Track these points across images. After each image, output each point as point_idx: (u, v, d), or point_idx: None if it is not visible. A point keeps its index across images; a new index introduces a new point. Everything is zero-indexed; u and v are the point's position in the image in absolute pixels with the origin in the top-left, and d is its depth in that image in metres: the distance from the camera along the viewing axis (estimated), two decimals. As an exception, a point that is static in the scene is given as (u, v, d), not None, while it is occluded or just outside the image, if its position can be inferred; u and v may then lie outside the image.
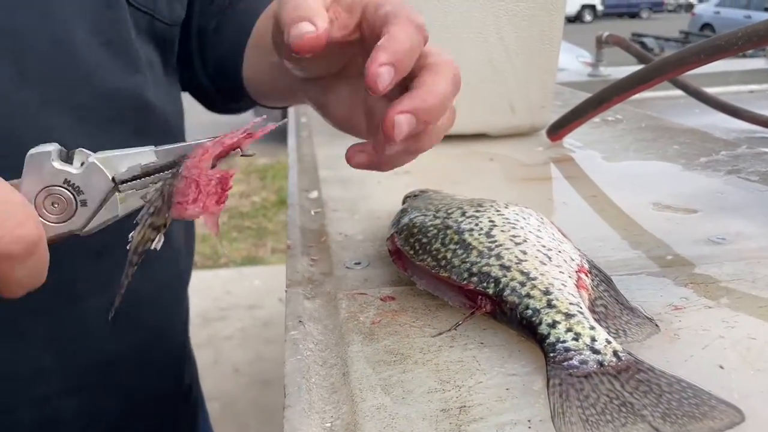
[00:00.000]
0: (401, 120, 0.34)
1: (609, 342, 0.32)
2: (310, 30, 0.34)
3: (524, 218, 0.42)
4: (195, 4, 0.58)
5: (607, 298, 0.37)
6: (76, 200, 0.30)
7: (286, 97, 0.57)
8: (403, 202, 0.53)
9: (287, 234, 0.53)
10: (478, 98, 0.80)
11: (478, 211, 0.43)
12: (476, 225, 0.41)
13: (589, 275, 0.38)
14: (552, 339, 0.32)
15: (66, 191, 0.30)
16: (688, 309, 0.39)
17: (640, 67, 0.75)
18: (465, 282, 0.38)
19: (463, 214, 0.43)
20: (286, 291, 0.43)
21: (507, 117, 0.82)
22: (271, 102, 0.61)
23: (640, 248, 0.49)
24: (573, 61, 5.69)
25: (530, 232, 0.40)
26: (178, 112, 0.57)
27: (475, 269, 0.38)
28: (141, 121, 0.47)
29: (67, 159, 0.30)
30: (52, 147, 0.30)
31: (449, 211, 0.44)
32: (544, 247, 0.39)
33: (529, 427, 0.29)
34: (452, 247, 0.40)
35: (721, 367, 0.33)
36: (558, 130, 0.79)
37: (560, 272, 0.37)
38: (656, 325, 0.36)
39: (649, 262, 0.46)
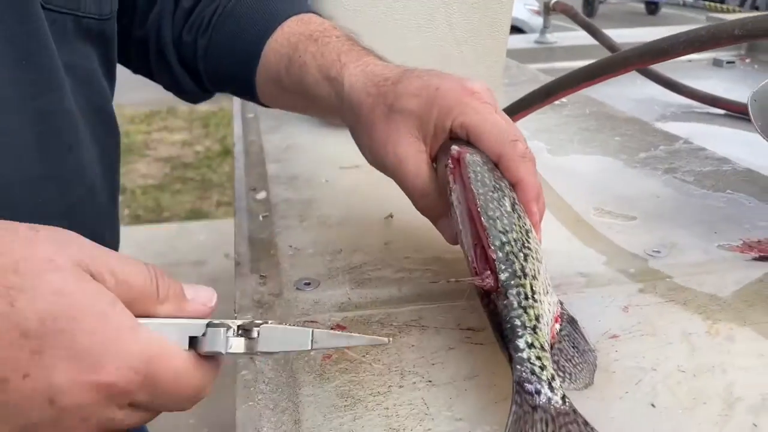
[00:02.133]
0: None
1: (561, 387, 0.33)
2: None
3: (538, 245, 0.43)
4: (152, 14, 0.56)
5: (566, 340, 0.39)
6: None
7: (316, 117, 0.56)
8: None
9: (234, 244, 0.53)
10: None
11: (523, 211, 0.43)
12: (523, 216, 0.42)
13: (559, 322, 0.39)
14: (525, 356, 0.34)
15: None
16: (623, 337, 0.41)
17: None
18: (492, 248, 0.38)
19: (515, 201, 0.42)
20: (235, 316, 0.43)
21: (455, 103, 0.82)
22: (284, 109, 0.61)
23: (582, 264, 0.50)
24: (521, 9, 5.69)
25: (543, 257, 0.41)
26: (107, 105, 0.53)
27: (507, 248, 0.38)
28: (67, 133, 0.44)
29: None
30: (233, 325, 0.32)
31: (509, 186, 0.43)
32: (547, 279, 0.40)
33: (475, 481, 0.31)
34: (503, 210, 0.40)
35: (653, 406, 0.35)
36: (505, 118, 0.80)
37: (549, 310, 0.38)
38: (593, 374, 0.38)
39: (589, 280, 0.48)
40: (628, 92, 1.13)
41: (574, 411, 0.32)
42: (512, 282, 0.37)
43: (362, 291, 0.46)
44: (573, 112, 0.88)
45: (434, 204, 0.44)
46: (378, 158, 0.46)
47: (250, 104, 0.91)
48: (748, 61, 1.42)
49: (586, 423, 0.32)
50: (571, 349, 0.39)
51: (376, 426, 0.34)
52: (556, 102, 0.92)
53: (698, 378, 0.37)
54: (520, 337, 0.35)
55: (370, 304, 0.45)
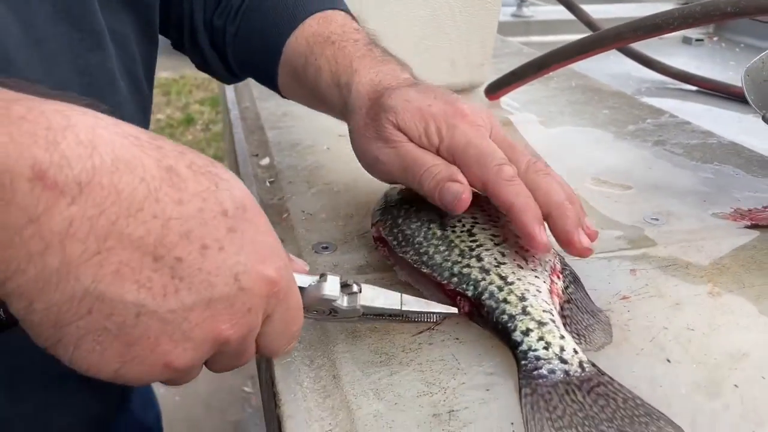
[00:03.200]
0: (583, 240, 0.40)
1: (576, 352, 0.35)
2: (459, 191, 0.40)
3: (489, 225, 0.43)
4: None
5: (574, 301, 0.40)
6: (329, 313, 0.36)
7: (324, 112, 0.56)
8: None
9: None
10: (421, 54, 0.80)
11: (466, 215, 0.43)
12: (459, 221, 0.42)
13: (560, 277, 0.41)
14: (524, 347, 0.35)
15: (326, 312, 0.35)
16: (634, 299, 0.43)
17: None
18: (446, 282, 0.39)
19: (445, 219, 0.43)
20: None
21: (447, 74, 0.83)
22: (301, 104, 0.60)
23: (586, 230, 0.52)
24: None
25: (510, 230, 0.42)
26: (138, 70, 0.53)
27: (456, 269, 0.40)
28: (110, 94, 0.44)
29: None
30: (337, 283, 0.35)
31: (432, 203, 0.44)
32: (522, 248, 0.41)
33: (513, 431, 0.32)
34: (435, 242, 0.41)
35: (668, 361, 0.38)
36: (496, 90, 0.81)
37: (536, 277, 0.39)
38: (610, 333, 0.39)
39: (594, 245, 0.50)
40: (604, 67, 1.15)
41: (598, 372, 0.34)
42: (479, 289, 0.38)
43: (379, 254, 0.47)
44: (560, 85, 0.90)
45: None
46: (368, 155, 0.45)
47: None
48: (715, 39, 1.46)
49: (611, 381, 0.33)
50: (580, 312, 0.40)
51: (413, 380, 0.35)
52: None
53: (707, 336, 0.40)
54: (513, 330, 0.36)
55: (388, 266, 0.46)
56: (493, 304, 0.37)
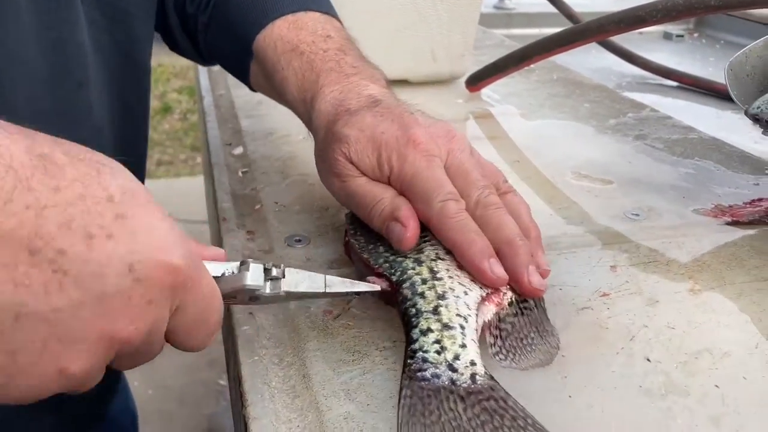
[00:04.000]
0: (533, 280, 0.37)
1: (473, 364, 0.32)
2: (400, 234, 0.38)
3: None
4: None
5: (525, 315, 0.37)
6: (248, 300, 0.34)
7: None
8: None
9: (217, 200, 0.51)
10: (402, 44, 0.78)
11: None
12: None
13: (509, 292, 0.38)
14: (416, 346, 0.33)
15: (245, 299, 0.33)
16: (614, 296, 0.42)
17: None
18: (377, 266, 0.38)
19: None
20: (226, 272, 0.42)
21: (428, 64, 0.82)
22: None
23: (566, 224, 0.51)
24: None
25: None
26: (135, 47, 0.51)
27: (391, 257, 0.39)
28: (78, 68, 0.42)
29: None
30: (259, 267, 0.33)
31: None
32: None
33: (489, 432, 0.31)
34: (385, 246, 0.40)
35: (648, 360, 0.37)
36: (477, 81, 0.80)
37: (471, 280, 0.37)
38: (550, 358, 0.36)
39: (574, 241, 0.49)
40: (585, 61, 1.15)
41: (492, 388, 0.31)
42: (403, 277, 0.37)
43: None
44: (541, 78, 0.89)
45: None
46: (325, 182, 0.45)
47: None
48: (696, 35, 1.46)
49: (505, 398, 0.31)
50: (525, 328, 0.37)
51: (387, 380, 0.34)
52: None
53: (687, 334, 0.39)
54: (414, 326, 0.34)
55: (364, 261, 0.45)
56: (408, 294, 0.36)
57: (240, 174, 0.56)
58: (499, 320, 0.37)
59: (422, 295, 0.35)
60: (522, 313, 0.38)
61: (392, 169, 0.40)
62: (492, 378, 0.32)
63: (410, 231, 0.38)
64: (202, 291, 0.29)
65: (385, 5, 0.75)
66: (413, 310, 0.35)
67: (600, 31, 0.69)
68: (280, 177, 0.56)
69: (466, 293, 0.36)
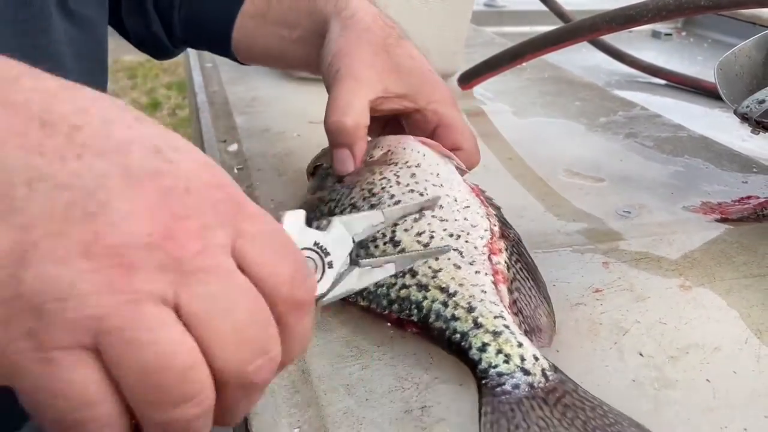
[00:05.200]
0: None
1: (536, 359, 0.32)
2: (349, 165, 0.44)
3: (422, 193, 0.40)
4: None
5: (520, 272, 0.39)
6: (323, 261, 0.29)
7: (292, 69, 0.56)
8: (312, 173, 0.50)
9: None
10: None
11: (373, 205, 0.40)
12: (379, 235, 0.38)
13: (502, 251, 0.38)
14: (484, 365, 0.32)
15: (315, 253, 0.28)
16: (607, 292, 0.43)
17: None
18: (387, 312, 0.36)
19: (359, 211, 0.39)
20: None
21: (420, 62, 0.82)
22: (262, 65, 0.60)
23: (558, 221, 0.52)
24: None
25: (433, 216, 0.39)
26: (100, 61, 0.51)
27: (393, 294, 0.36)
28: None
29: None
30: (302, 212, 0.28)
31: (343, 212, 0.40)
32: (451, 236, 0.38)
33: (486, 426, 0.32)
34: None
35: (641, 355, 0.37)
36: (470, 79, 0.80)
37: (476, 272, 0.36)
38: (552, 311, 0.39)
39: (567, 238, 0.50)
40: (575, 59, 1.15)
41: (561, 380, 0.32)
42: (424, 312, 0.35)
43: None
44: (532, 76, 0.90)
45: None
46: (331, 66, 0.45)
47: (207, 54, 0.87)
48: (684, 34, 1.47)
49: (575, 389, 0.31)
50: (526, 287, 0.38)
51: (385, 375, 0.34)
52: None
53: (678, 330, 0.40)
54: (469, 349, 0.33)
55: (360, 257, 0.45)
56: (443, 325, 0.34)
57: (235, 171, 0.56)
58: (510, 292, 0.37)
59: (454, 317, 0.34)
60: (518, 274, 0.38)
61: (429, 104, 0.48)
62: (555, 368, 0.32)
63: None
64: (265, 221, 0.24)
65: (377, 2, 0.75)
66: (457, 336, 0.34)
67: (592, 30, 0.69)
68: (276, 174, 0.56)
69: (483, 291, 0.35)
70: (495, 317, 0.34)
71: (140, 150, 0.21)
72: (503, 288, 0.37)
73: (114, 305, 0.20)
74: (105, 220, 0.20)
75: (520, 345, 0.33)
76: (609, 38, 1.09)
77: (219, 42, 0.55)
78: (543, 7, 1.20)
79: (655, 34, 1.44)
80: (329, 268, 0.29)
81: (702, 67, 1.15)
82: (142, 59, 4.28)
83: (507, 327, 0.34)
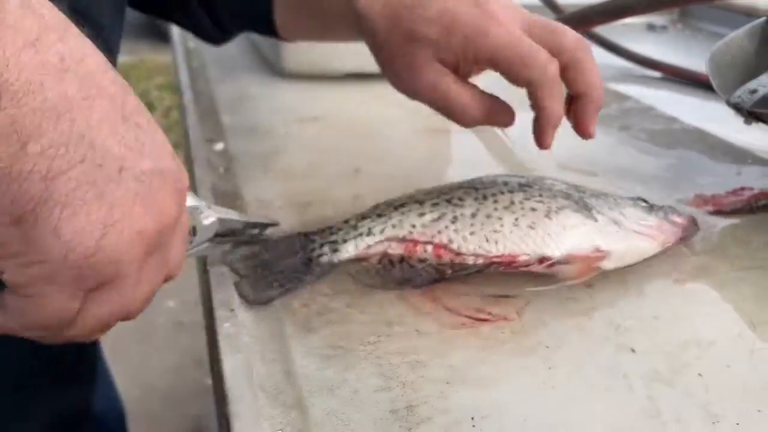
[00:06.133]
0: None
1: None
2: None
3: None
4: None
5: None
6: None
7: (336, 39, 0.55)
8: None
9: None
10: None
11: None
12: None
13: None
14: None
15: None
16: (598, 286, 0.42)
17: None
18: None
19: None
20: (207, 270, 0.42)
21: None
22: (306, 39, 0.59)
23: (550, 216, 0.51)
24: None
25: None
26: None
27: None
28: None
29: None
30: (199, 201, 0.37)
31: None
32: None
33: (473, 426, 0.31)
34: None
35: (633, 350, 0.37)
36: (461, 74, 0.79)
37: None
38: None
39: (559, 232, 0.49)
40: (569, 54, 1.14)
41: None
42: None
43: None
44: (525, 70, 0.89)
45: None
46: (408, 88, 0.45)
47: (195, 52, 0.86)
48: (679, 26, 1.47)
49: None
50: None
51: (370, 374, 0.34)
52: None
53: (671, 324, 0.39)
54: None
55: (347, 256, 0.44)
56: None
57: (221, 170, 0.55)
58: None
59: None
60: None
61: (477, 51, 0.43)
62: None
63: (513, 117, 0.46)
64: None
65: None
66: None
67: (583, 21, 0.69)
68: (262, 172, 0.55)
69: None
70: None
71: (166, 154, 0.29)
72: None
73: (133, 270, 0.28)
74: (152, 211, 0.27)
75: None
76: (604, 31, 1.08)
77: (262, 23, 0.55)
78: (534, 0, 1.19)
79: (651, 27, 1.44)
80: (188, 243, 0.36)
81: (698, 59, 1.14)
82: (135, 60, 4.26)
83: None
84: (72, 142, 0.23)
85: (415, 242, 0.40)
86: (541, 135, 0.44)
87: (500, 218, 0.41)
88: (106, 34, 0.46)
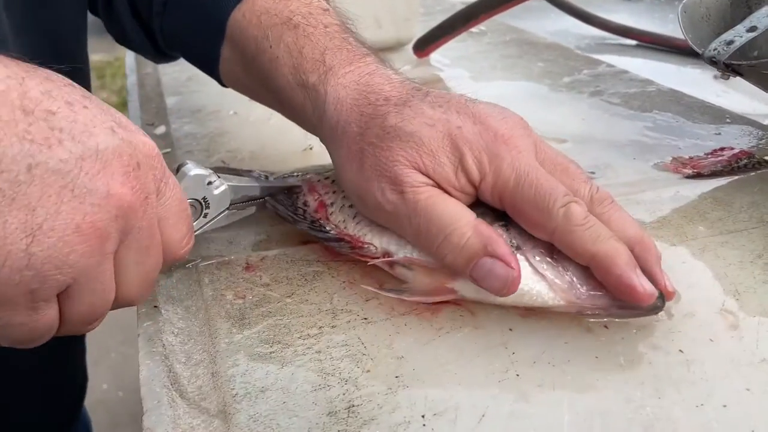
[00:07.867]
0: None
1: None
2: (515, 276, 0.31)
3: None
4: None
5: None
6: (202, 210, 0.37)
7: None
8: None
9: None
10: (343, 11, 0.73)
11: None
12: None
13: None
14: None
15: (199, 203, 0.36)
16: (569, 260, 0.38)
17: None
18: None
19: None
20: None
21: (373, 31, 0.76)
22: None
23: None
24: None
25: None
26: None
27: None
28: None
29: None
30: (204, 170, 0.37)
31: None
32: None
33: (424, 425, 0.27)
34: None
35: (606, 327, 0.33)
36: (425, 46, 0.75)
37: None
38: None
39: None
40: (542, 24, 1.10)
41: None
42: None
43: (283, 227, 0.41)
44: (494, 40, 0.85)
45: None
46: (366, 198, 0.35)
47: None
48: (654, -6, 1.43)
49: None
50: None
51: (308, 372, 0.30)
52: (475, 30, 0.88)
53: (648, 296, 0.35)
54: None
55: (292, 240, 0.40)
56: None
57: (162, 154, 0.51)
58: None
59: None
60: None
61: (485, 175, 0.33)
62: None
63: (517, 270, 0.31)
64: (172, 183, 0.30)
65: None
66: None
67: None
68: (206, 155, 0.51)
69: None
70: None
71: (101, 131, 0.26)
72: None
73: (91, 266, 0.26)
74: (90, 200, 0.25)
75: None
76: (578, 2, 1.04)
77: (206, 69, 0.47)
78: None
79: (625, -5, 1.40)
80: (204, 217, 0.37)
81: (674, 26, 1.10)
82: (111, 58, 4.17)
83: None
84: None
85: (316, 191, 0.41)
86: (624, 288, 0.31)
87: None
88: (57, 5, 0.42)
